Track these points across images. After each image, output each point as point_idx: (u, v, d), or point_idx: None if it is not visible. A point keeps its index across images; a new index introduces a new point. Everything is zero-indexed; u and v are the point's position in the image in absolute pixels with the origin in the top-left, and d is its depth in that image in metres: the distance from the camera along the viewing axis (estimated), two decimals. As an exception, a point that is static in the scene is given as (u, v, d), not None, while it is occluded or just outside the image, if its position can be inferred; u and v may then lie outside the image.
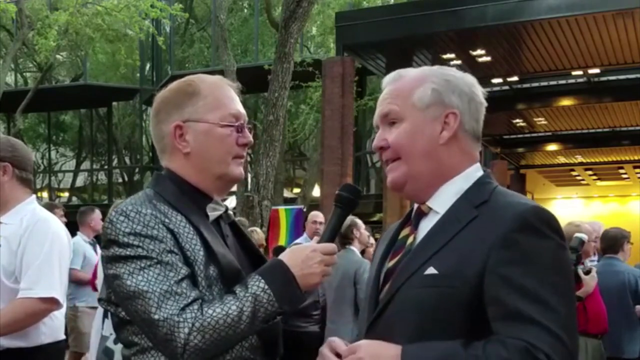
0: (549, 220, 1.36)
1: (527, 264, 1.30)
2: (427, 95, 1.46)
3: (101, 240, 1.52)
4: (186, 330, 1.38)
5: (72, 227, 5.10)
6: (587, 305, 4.29)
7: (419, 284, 1.37)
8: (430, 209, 1.48)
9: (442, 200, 1.46)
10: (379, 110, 1.52)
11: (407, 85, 1.49)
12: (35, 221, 2.58)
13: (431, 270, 1.37)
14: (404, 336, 1.35)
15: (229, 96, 1.64)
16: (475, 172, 1.49)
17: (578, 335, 1.36)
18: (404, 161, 1.48)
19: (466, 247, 1.35)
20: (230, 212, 1.69)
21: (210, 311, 1.40)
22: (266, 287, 1.44)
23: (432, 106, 1.46)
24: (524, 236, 1.32)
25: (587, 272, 4.27)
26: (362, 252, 5.32)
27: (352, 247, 5.09)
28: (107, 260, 1.49)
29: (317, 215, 6.28)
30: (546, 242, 1.33)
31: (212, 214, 1.61)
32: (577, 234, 4.34)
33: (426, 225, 1.47)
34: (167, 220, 1.49)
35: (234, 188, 11.18)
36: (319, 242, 1.54)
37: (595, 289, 4.31)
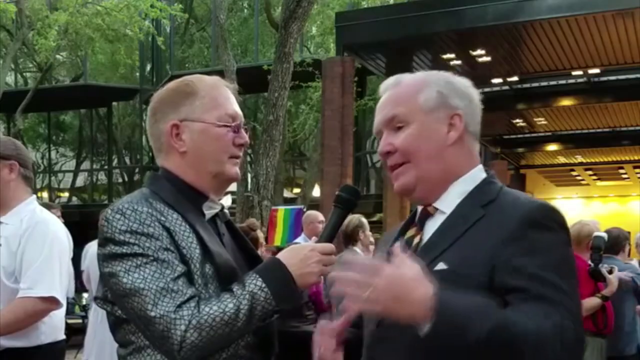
0: (557, 217, 1.40)
1: (541, 255, 1.33)
2: (433, 97, 1.48)
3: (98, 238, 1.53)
4: (183, 327, 1.38)
5: (70, 228, 5.09)
6: (606, 305, 4.27)
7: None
8: (437, 209, 1.49)
9: (448, 201, 1.48)
10: (381, 116, 1.52)
11: (410, 89, 1.50)
12: (35, 222, 2.58)
13: (441, 266, 1.38)
14: (415, 333, 1.33)
15: (226, 96, 1.64)
16: (479, 173, 1.51)
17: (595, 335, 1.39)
18: (413, 164, 1.48)
19: (475, 244, 1.37)
20: (226, 211, 1.70)
21: (207, 309, 1.40)
22: (263, 285, 1.44)
23: (438, 108, 1.48)
24: (535, 231, 1.35)
25: (610, 272, 4.27)
26: None
27: (356, 248, 5.07)
28: (104, 259, 1.49)
29: (317, 216, 6.23)
30: (556, 236, 1.37)
31: (208, 213, 1.62)
32: (597, 233, 4.32)
33: (432, 226, 1.49)
34: (163, 218, 1.50)
35: (234, 188, 11.21)
36: (317, 241, 1.54)
37: None
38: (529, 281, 1.30)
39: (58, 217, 5.47)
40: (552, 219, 1.38)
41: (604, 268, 4.27)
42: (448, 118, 1.48)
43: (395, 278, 1.23)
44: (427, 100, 1.48)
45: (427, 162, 1.47)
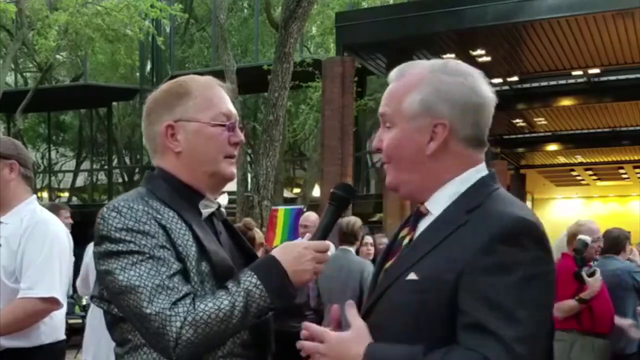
0: (532, 232, 1.32)
1: (500, 275, 1.27)
2: (415, 105, 1.42)
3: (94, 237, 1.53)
4: (178, 324, 1.38)
5: (74, 228, 5.08)
6: (593, 305, 4.29)
7: (401, 290, 1.36)
8: (428, 210, 1.47)
9: (438, 203, 1.44)
10: (379, 108, 1.51)
11: (401, 90, 1.46)
12: (35, 222, 2.58)
13: (412, 276, 1.35)
14: (389, 340, 1.35)
15: (220, 96, 1.65)
16: (474, 174, 1.45)
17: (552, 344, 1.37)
18: (393, 167, 1.47)
19: (449, 253, 1.33)
20: (223, 210, 1.70)
21: (202, 306, 1.40)
22: (258, 282, 1.44)
23: (419, 117, 1.42)
24: (503, 246, 1.29)
25: (592, 274, 4.28)
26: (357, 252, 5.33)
27: (351, 248, 5.08)
28: (99, 257, 1.49)
29: (306, 219, 6.17)
30: (525, 254, 1.29)
31: (205, 211, 1.62)
32: (580, 236, 4.34)
33: (423, 227, 1.46)
34: (159, 216, 1.50)
35: (234, 188, 11.20)
36: (311, 239, 1.54)
37: (603, 288, 4.32)
38: (476, 303, 1.27)
39: (66, 217, 5.48)
40: (525, 233, 1.31)
41: (585, 270, 4.30)
42: (431, 127, 1.41)
43: (336, 342, 1.40)
44: (409, 105, 1.43)
45: (404, 169, 1.45)
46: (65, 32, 15.51)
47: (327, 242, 1.54)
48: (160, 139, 1.62)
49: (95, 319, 5.15)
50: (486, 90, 1.47)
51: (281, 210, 10.52)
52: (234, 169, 1.65)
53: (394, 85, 1.49)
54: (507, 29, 11.60)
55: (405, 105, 1.44)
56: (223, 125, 1.61)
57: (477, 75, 1.47)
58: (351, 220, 5.09)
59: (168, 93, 1.65)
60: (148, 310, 1.40)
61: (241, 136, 1.65)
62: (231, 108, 1.65)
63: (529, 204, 21.29)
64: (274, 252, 1.52)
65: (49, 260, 2.55)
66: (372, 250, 5.79)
